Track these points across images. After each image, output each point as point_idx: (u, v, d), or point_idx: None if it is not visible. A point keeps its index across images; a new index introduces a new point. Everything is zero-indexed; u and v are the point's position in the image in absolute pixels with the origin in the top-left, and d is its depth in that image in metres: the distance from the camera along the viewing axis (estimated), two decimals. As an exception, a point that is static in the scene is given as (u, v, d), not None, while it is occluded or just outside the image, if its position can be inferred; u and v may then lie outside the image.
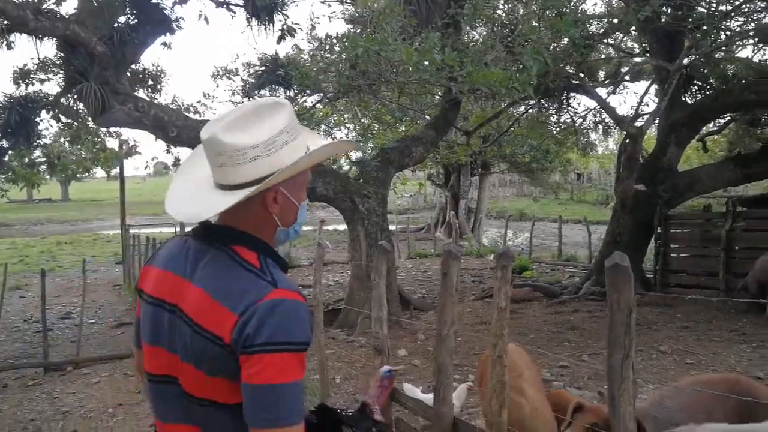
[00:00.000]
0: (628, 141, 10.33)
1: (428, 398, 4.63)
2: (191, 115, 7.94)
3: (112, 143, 14.21)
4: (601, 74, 13.30)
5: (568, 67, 9.24)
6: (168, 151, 8.60)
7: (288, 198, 1.33)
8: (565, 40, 8.95)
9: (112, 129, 9.78)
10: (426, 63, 5.81)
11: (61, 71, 8.23)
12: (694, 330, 7.77)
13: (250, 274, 1.24)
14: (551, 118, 13.92)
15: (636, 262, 9.91)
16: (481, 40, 8.67)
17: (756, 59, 11.17)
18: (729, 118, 12.45)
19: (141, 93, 8.60)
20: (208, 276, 1.26)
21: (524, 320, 8.46)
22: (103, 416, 5.39)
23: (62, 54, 7.61)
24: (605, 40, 11.78)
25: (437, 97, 11.82)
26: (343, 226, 28.66)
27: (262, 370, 1.16)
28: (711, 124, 12.57)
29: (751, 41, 10.76)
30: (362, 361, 6.42)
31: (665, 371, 6.00)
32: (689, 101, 11.11)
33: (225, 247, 1.28)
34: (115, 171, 18.30)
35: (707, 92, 11.10)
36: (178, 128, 7.18)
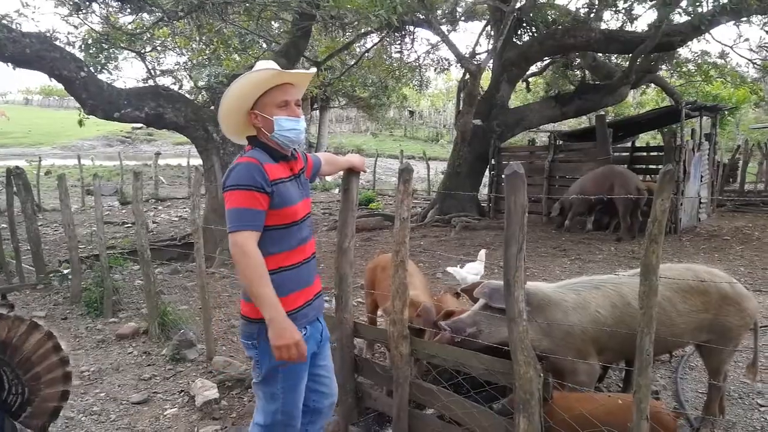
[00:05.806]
0: (467, 78, 11.03)
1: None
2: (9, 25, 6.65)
3: None
4: (439, 13, 13.82)
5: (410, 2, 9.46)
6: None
7: (261, 115, 2.18)
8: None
9: None
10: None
11: None
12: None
13: (242, 153, 2.23)
14: (396, 53, 14.27)
15: (474, 190, 10.85)
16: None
17: (572, 7, 12.48)
18: (548, 61, 13.85)
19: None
20: None
21: (380, 246, 8.88)
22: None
23: None
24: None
25: (274, 25, 11.43)
26: (175, 161, 26.94)
27: (224, 201, 2.13)
28: (534, 66, 13.89)
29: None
30: (229, 291, 6.31)
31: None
32: (519, 43, 12.10)
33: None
34: None
35: (534, 35, 12.16)
36: (-4, 40, 6.08)
